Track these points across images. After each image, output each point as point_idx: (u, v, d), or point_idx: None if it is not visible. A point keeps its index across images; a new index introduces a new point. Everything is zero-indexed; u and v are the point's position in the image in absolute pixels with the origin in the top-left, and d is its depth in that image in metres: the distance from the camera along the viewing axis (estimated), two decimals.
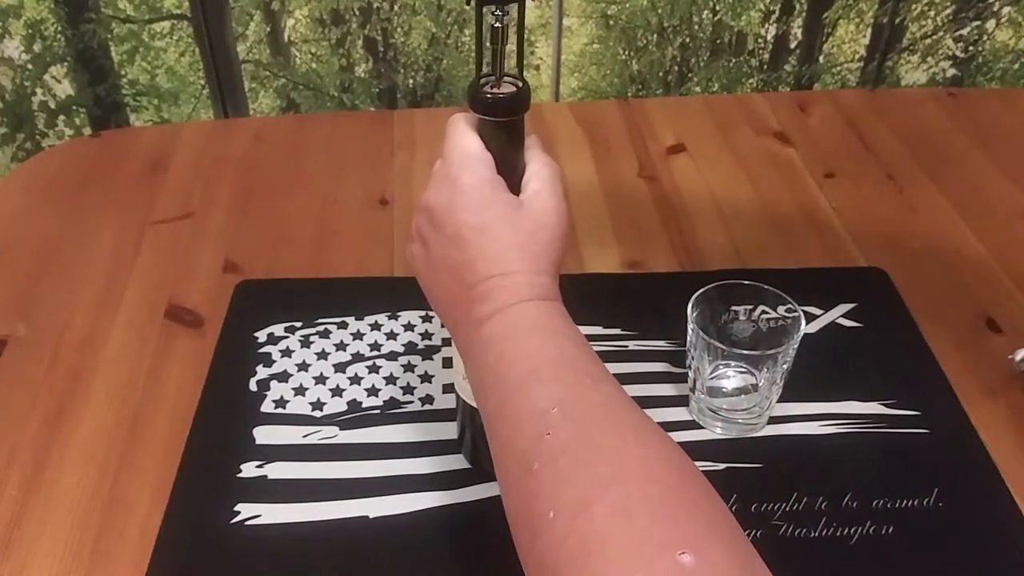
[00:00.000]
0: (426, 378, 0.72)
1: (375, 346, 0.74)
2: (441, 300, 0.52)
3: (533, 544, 0.39)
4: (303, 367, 0.72)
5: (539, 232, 0.50)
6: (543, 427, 0.42)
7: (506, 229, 0.49)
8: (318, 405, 0.69)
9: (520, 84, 0.51)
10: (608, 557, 0.36)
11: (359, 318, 0.77)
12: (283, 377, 0.72)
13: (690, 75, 1.10)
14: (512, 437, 0.43)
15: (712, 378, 0.66)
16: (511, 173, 0.52)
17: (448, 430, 0.67)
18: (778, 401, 0.67)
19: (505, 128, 0.51)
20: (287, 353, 0.74)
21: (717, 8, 1.06)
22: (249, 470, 0.64)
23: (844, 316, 0.77)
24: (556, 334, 0.47)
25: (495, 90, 0.51)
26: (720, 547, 0.36)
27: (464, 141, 0.51)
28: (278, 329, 0.76)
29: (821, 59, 1.10)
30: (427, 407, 0.69)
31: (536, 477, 0.40)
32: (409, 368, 0.72)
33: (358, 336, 0.75)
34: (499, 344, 0.47)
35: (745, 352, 0.65)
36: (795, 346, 0.64)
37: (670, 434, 0.63)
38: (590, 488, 0.38)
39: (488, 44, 0.50)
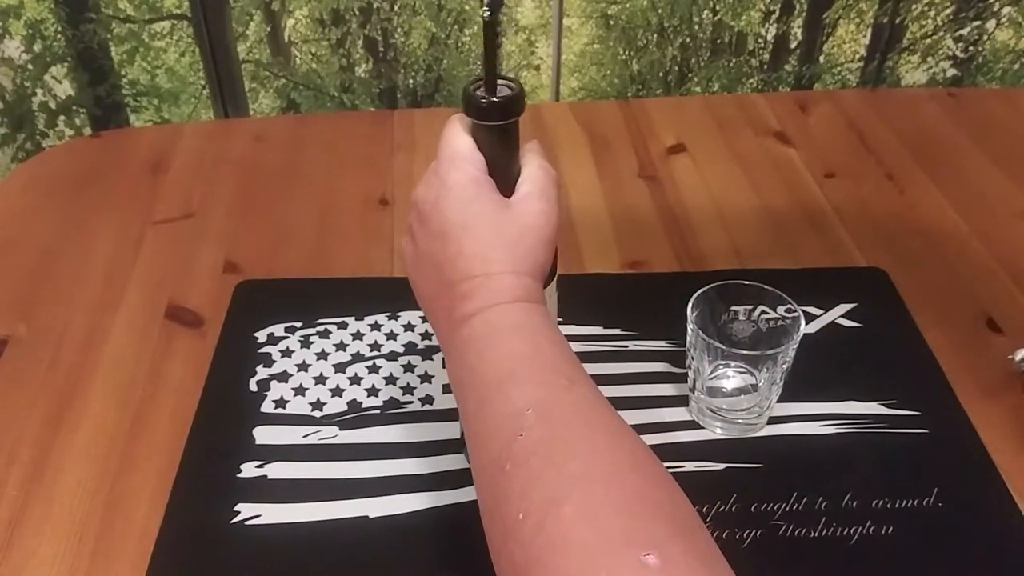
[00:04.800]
0: (426, 378, 0.72)
1: (375, 346, 0.74)
2: (425, 296, 0.52)
3: (504, 545, 0.40)
4: (303, 367, 0.72)
5: (525, 234, 0.50)
6: (517, 428, 0.42)
7: (489, 228, 0.49)
8: (318, 405, 0.69)
9: (514, 88, 0.51)
10: (573, 556, 0.37)
11: (359, 318, 0.77)
12: (283, 377, 0.72)
13: (690, 75, 1.10)
14: (488, 438, 0.44)
15: (712, 378, 0.67)
16: (505, 176, 0.51)
17: (448, 430, 0.67)
18: (778, 401, 0.67)
19: (498, 132, 0.51)
20: (287, 353, 0.74)
21: (717, 8, 1.06)
22: (249, 470, 0.64)
23: (844, 316, 0.77)
24: (535, 335, 0.47)
25: (488, 94, 0.50)
26: (683, 543, 0.37)
27: (456, 140, 0.51)
28: (278, 329, 0.76)
29: (821, 59, 1.10)
30: (427, 407, 0.69)
31: (508, 478, 0.41)
32: (409, 368, 0.72)
33: (358, 336, 0.75)
34: (479, 344, 0.47)
35: (745, 352, 0.65)
36: (795, 346, 0.64)
37: (670, 434, 0.63)
38: (558, 488, 0.39)
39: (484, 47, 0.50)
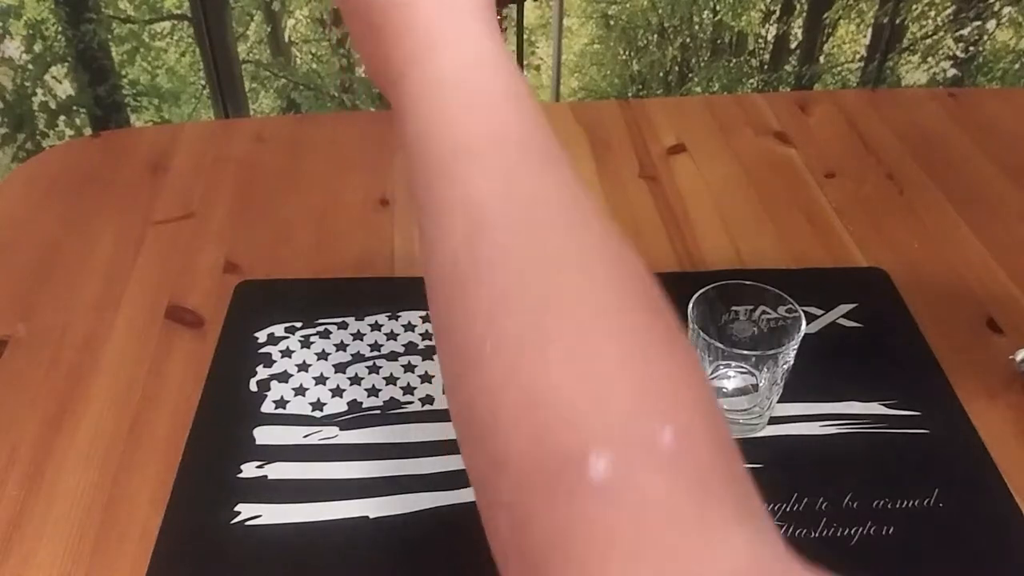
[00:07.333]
0: (426, 378, 0.72)
1: (375, 346, 0.74)
2: (363, 54, 0.41)
3: (461, 382, 0.31)
4: (303, 367, 0.72)
5: None
6: (476, 224, 0.33)
7: None
8: (318, 405, 0.69)
9: None
10: (562, 414, 0.28)
11: (359, 318, 0.77)
12: (283, 377, 0.72)
13: (690, 75, 1.10)
14: (440, 238, 0.34)
15: (712, 378, 0.66)
16: None
17: (448, 430, 0.67)
18: (778, 401, 0.67)
19: None
20: (287, 353, 0.74)
21: (717, 8, 1.06)
22: (249, 470, 0.64)
23: (844, 316, 0.77)
24: (492, 93, 0.37)
25: None
26: (700, 418, 0.30)
27: None
28: (278, 329, 0.76)
29: (821, 59, 1.10)
30: (427, 407, 0.69)
31: (472, 293, 0.32)
32: (409, 368, 0.72)
33: (358, 336, 0.75)
34: (416, 106, 0.37)
35: (745, 352, 0.65)
36: (795, 346, 0.64)
37: None
38: (540, 317, 0.30)
39: None
